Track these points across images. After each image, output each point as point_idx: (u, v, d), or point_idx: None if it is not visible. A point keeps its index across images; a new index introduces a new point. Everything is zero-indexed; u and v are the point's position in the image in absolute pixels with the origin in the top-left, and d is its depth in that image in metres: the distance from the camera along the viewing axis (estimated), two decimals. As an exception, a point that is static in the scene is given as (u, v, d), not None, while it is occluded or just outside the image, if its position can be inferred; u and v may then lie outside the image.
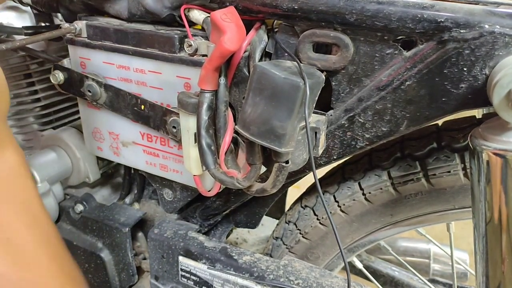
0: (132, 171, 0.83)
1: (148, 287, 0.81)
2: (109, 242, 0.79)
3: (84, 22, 0.63)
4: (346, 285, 0.58)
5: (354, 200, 0.65)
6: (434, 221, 0.65)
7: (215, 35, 0.51)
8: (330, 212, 0.67)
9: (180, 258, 0.68)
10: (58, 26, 0.68)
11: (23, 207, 0.51)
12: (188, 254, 0.67)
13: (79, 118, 0.73)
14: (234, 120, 0.56)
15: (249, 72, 0.53)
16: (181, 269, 0.68)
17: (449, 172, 0.57)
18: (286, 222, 0.76)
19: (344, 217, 0.67)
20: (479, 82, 0.42)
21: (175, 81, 0.58)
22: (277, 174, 0.49)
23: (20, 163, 0.53)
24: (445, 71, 0.44)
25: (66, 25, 0.64)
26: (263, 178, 0.54)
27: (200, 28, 0.57)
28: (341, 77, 0.50)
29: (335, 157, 0.55)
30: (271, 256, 0.78)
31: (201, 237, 0.69)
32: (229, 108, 0.55)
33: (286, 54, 0.52)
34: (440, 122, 0.55)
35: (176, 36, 0.56)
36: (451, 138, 0.58)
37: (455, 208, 0.61)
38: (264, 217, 0.78)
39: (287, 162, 0.48)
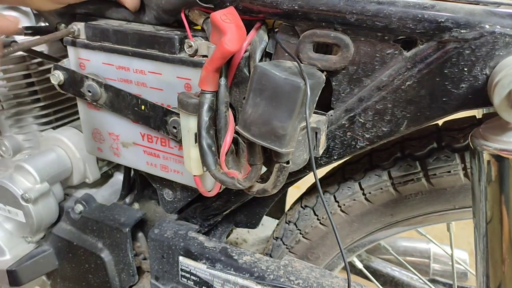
0: (132, 172, 0.83)
1: (148, 287, 0.81)
2: (109, 242, 0.79)
3: (83, 23, 0.63)
4: (346, 285, 0.58)
5: (354, 200, 0.65)
6: (435, 221, 0.65)
7: (215, 36, 0.51)
8: (331, 212, 0.67)
9: (180, 258, 0.68)
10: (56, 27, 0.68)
11: None
12: (188, 254, 0.67)
13: (79, 118, 0.73)
14: (235, 121, 0.56)
15: (249, 73, 0.53)
16: (181, 269, 0.68)
17: (449, 172, 0.57)
18: (286, 222, 0.76)
19: (344, 217, 0.67)
20: (480, 82, 0.42)
21: (176, 82, 0.58)
22: (277, 175, 0.49)
23: None
24: (445, 71, 0.44)
25: (63, 25, 0.64)
26: (264, 179, 0.54)
27: (200, 28, 0.57)
28: (342, 77, 0.50)
29: (335, 157, 0.55)
30: (271, 256, 0.78)
31: (201, 237, 0.69)
32: (229, 109, 0.55)
33: (286, 54, 0.52)
34: (440, 122, 0.55)
35: (176, 36, 0.56)
36: (452, 138, 0.58)
37: (455, 208, 0.61)
38: (264, 217, 0.78)
39: (287, 162, 0.48)
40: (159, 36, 0.57)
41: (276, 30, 0.54)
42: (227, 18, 0.49)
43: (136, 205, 0.86)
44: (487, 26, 0.40)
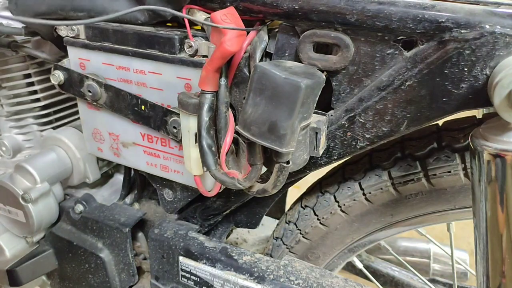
0: (132, 172, 0.83)
1: (148, 287, 0.81)
2: (109, 242, 0.79)
3: (84, 22, 0.63)
4: (347, 285, 0.58)
5: (354, 200, 0.65)
6: (435, 221, 0.65)
7: (215, 36, 0.51)
8: (331, 212, 0.67)
9: (181, 258, 0.68)
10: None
11: None
12: (189, 254, 0.67)
13: (79, 118, 0.73)
14: (235, 121, 0.56)
15: (249, 73, 0.53)
16: (182, 269, 0.68)
17: (449, 172, 0.57)
18: (286, 222, 0.76)
19: (344, 217, 0.67)
20: (480, 82, 0.42)
21: (176, 82, 0.58)
22: (278, 175, 0.49)
23: None
24: (445, 71, 0.44)
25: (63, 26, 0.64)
26: (264, 179, 0.54)
27: (200, 28, 0.57)
28: (342, 77, 0.50)
29: (335, 157, 0.55)
30: (271, 256, 0.78)
31: (201, 237, 0.69)
32: (229, 109, 0.55)
33: (286, 54, 0.52)
34: (440, 122, 0.55)
35: (176, 37, 0.56)
36: (452, 138, 0.58)
37: (455, 208, 0.61)
38: (264, 217, 0.78)
39: (288, 162, 0.48)
40: (159, 36, 0.57)
41: (276, 30, 0.54)
42: (227, 18, 0.49)
43: (136, 205, 0.86)
44: (487, 26, 0.40)
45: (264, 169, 0.54)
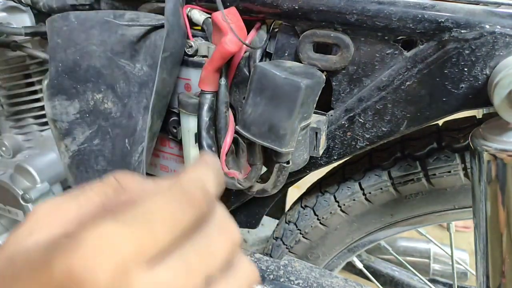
0: (132, 171, 0.83)
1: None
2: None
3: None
4: (346, 285, 0.58)
5: (354, 200, 0.65)
6: (435, 221, 0.65)
7: (216, 36, 0.51)
8: (330, 212, 0.67)
9: (181, 258, 0.68)
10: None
11: None
12: (189, 254, 0.67)
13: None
14: (235, 121, 0.56)
15: (249, 73, 0.53)
16: (182, 269, 0.68)
17: (449, 172, 0.57)
18: (286, 222, 0.76)
19: (344, 217, 0.67)
20: (480, 82, 0.42)
21: (176, 82, 0.58)
22: (277, 175, 0.49)
23: None
24: (445, 71, 0.44)
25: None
26: (264, 179, 0.54)
27: (200, 28, 0.57)
28: (342, 77, 0.50)
29: (335, 157, 0.55)
30: (271, 256, 0.78)
31: (202, 237, 0.69)
32: (229, 109, 0.55)
33: (286, 54, 0.52)
34: (440, 122, 0.55)
35: (176, 36, 0.56)
36: (452, 138, 0.58)
37: (455, 208, 0.61)
38: (264, 217, 0.78)
39: (287, 162, 0.48)
40: (159, 36, 0.57)
41: (276, 30, 0.54)
42: (228, 18, 0.49)
43: (136, 205, 0.86)
44: (487, 26, 0.41)
45: (264, 169, 0.54)
